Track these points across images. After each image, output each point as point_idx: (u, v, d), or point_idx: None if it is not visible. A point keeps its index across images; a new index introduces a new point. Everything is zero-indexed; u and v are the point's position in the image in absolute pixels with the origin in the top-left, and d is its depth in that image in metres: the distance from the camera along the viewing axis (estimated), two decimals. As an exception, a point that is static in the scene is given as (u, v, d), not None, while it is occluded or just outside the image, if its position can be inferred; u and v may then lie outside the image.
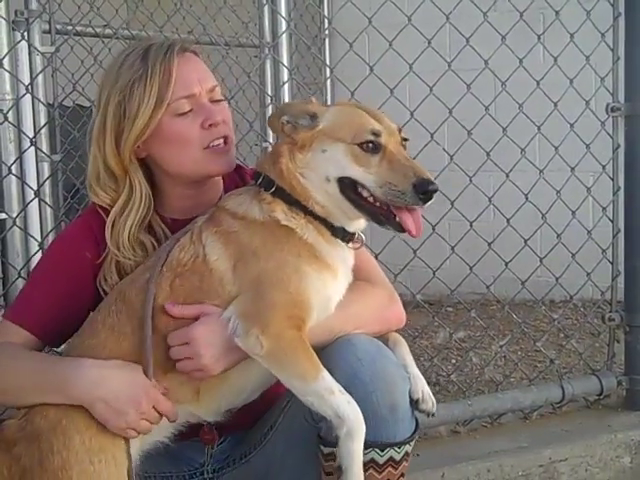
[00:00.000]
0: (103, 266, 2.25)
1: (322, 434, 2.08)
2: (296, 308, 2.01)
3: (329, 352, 2.06)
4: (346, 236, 2.15)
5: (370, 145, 2.05)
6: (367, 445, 2.00)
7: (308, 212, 2.11)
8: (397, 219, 2.03)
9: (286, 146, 2.14)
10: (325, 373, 1.97)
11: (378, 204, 2.06)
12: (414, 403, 2.12)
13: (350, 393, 1.97)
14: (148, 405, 2.02)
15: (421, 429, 2.16)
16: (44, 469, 1.97)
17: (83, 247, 2.27)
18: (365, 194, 2.06)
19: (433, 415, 2.17)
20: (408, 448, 2.09)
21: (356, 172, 2.05)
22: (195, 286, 2.08)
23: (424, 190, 1.99)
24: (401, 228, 2.04)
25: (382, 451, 2.05)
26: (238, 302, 2.03)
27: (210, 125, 2.21)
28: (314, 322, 2.05)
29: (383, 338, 2.20)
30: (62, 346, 2.34)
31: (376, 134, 2.07)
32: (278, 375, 2.03)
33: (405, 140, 2.14)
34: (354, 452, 1.94)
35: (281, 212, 2.10)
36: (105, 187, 2.25)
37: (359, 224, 2.18)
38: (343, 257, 2.15)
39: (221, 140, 2.24)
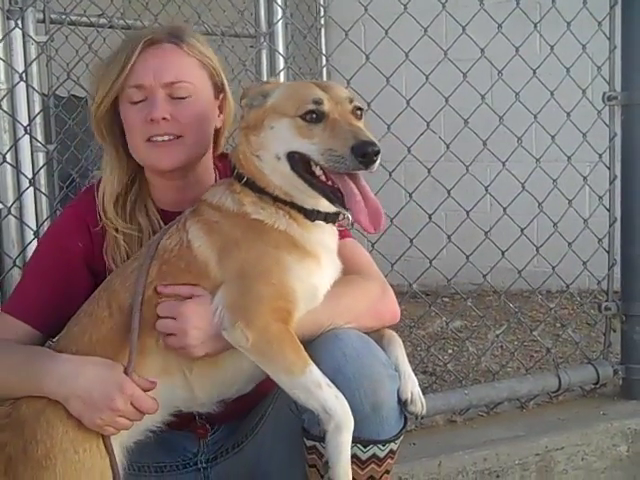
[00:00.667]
0: (107, 249, 2.27)
1: (305, 426, 2.06)
2: (281, 300, 1.99)
3: (315, 345, 2.03)
4: (323, 217, 2.10)
5: (313, 115, 2.00)
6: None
7: (275, 198, 2.07)
8: (346, 203, 1.97)
9: (242, 131, 2.12)
10: (312, 367, 1.94)
11: (330, 182, 2.00)
12: (402, 403, 2.09)
13: None
14: (123, 403, 1.99)
15: (412, 422, 2.13)
16: (28, 457, 1.96)
17: (75, 238, 2.29)
18: (318, 172, 2.01)
19: (422, 417, 2.14)
20: (393, 446, 2.06)
21: (300, 144, 2.00)
22: (181, 269, 2.07)
23: (363, 152, 1.91)
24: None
25: (365, 447, 2.03)
26: (224, 292, 2.01)
27: (150, 119, 2.21)
28: (302, 312, 2.03)
29: (378, 335, 2.17)
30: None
31: (317, 102, 2.01)
32: (265, 368, 2.00)
33: (359, 110, 2.07)
34: (342, 446, 1.92)
35: (250, 204, 2.07)
36: None
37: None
38: (322, 241, 2.10)
39: (165, 137, 2.23)
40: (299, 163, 2.02)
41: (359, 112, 2.07)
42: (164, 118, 2.21)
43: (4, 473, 1.97)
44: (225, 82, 2.36)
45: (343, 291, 2.13)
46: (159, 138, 2.22)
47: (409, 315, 3.92)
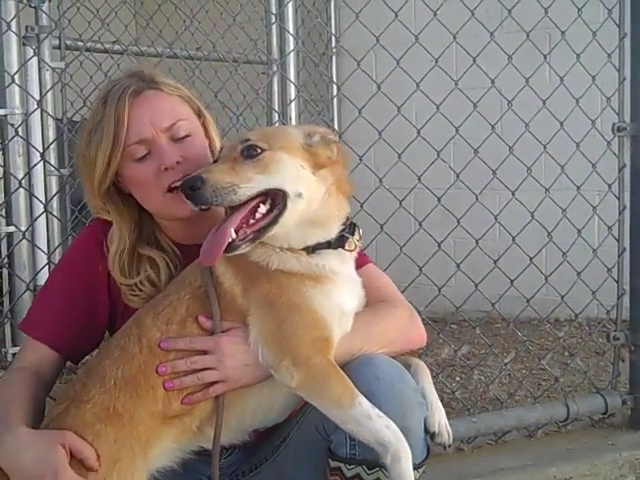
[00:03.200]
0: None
1: (332, 447, 2.08)
2: (317, 329, 2.01)
3: (349, 368, 2.05)
4: (325, 246, 2.12)
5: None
6: (375, 464, 2.01)
7: None
8: None
9: None
10: (361, 398, 1.95)
11: None
12: (429, 434, 2.12)
13: None
14: None
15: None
16: None
17: (95, 259, 2.31)
18: None
19: (449, 447, 2.16)
20: (416, 474, 2.05)
21: None
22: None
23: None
24: None
25: None
26: (259, 325, 2.04)
27: (164, 168, 2.21)
28: (338, 336, 2.05)
29: (404, 362, 2.18)
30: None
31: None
32: (314, 403, 2.02)
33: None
34: (403, 476, 1.93)
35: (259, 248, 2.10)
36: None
37: (304, 236, 2.11)
38: (329, 264, 2.11)
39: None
40: None
41: None
42: (177, 162, 2.21)
43: None
44: (200, 106, 2.37)
45: (373, 319, 2.17)
46: (177, 184, 2.19)
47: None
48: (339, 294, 2.10)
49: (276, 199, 2.03)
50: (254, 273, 2.06)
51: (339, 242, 2.14)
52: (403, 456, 1.92)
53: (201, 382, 2.07)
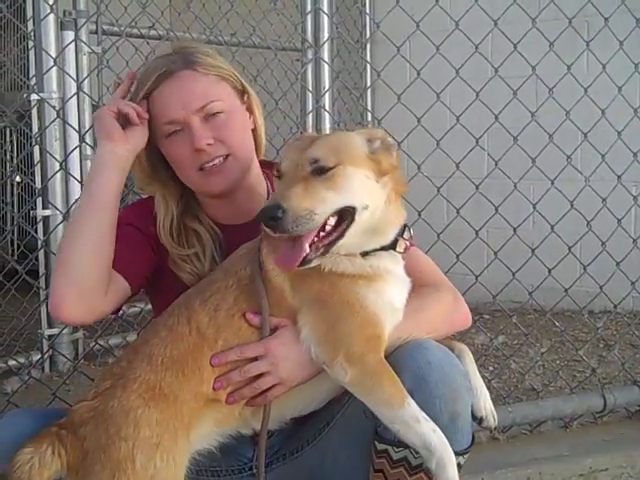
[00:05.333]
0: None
1: (379, 430, 2.08)
2: (369, 327, 2.02)
3: (399, 353, 2.06)
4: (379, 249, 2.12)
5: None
6: None
7: None
8: None
9: None
10: (410, 400, 1.96)
11: None
12: (477, 419, 2.13)
13: (415, 394, 1.97)
14: None
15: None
16: (108, 456, 1.94)
17: (147, 221, 2.35)
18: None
19: (495, 429, 2.14)
20: (461, 460, 2.07)
21: None
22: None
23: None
24: None
25: None
26: (311, 324, 2.04)
27: (195, 149, 2.23)
28: (389, 332, 2.05)
29: (448, 346, 2.17)
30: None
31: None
32: (364, 400, 2.02)
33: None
34: (449, 478, 1.93)
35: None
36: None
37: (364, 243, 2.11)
38: (382, 264, 2.11)
39: (215, 161, 2.25)
40: None
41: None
42: (208, 144, 2.23)
43: (76, 471, 1.95)
44: (244, 83, 2.37)
45: (419, 305, 2.16)
46: (209, 164, 2.24)
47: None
48: (390, 292, 2.09)
49: (344, 213, 2.03)
50: (305, 272, 2.04)
51: (392, 245, 2.15)
52: (448, 462, 1.93)
53: (259, 390, 2.08)
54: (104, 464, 1.94)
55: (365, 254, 2.10)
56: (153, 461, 1.96)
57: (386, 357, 2.03)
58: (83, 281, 2.11)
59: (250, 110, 2.38)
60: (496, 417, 2.13)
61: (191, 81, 2.26)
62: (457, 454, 2.01)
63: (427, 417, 1.95)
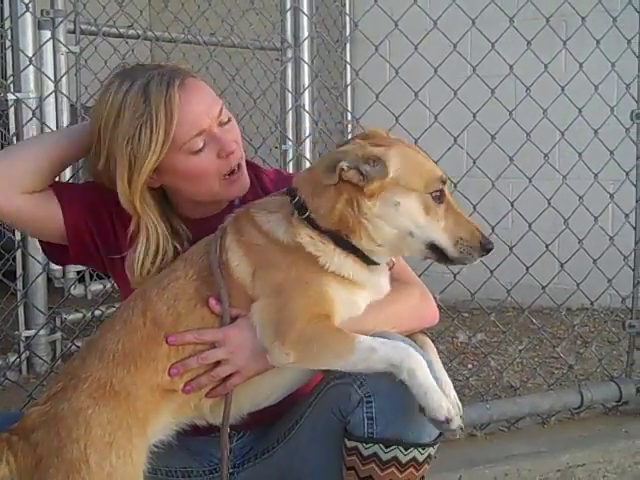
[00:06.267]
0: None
1: (348, 428, 2.07)
2: (317, 306, 1.99)
3: None
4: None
5: (438, 194, 2.02)
6: (392, 442, 2.01)
7: (334, 240, 2.05)
8: None
9: (347, 192, 2.03)
10: (357, 337, 1.94)
11: None
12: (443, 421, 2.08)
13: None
14: None
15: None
16: (61, 459, 1.91)
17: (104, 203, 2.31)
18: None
19: (462, 418, 2.15)
20: (431, 451, 2.07)
21: (432, 231, 2.02)
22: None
23: (488, 249, 2.02)
24: None
25: (406, 450, 2.03)
26: (260, 309, 2.02)
27: (227, 155, 2.19)
28: (342, 318, 2.02)
29: (412, 340, 2.14)
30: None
31: (443, 181, 2.04)
32: (318, 367, 2.03)
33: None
34: (423, 386, 1.91)
35: (307, 237, 2.05)
36: None
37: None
38: (372, 278, 2.11)
39: (234, 167, 2.22)
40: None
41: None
42: (235, 142, 2.21)
43: (30, 477, 1.92)
44: None
45: (388, 299, 2.15)
46: (230, 170, 2.21)
47: (430, 329, 3.92)
48: (360, 294, 2.08)
49: None
50: (269, 263, 2.04)
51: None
52: (417, 367, 1.91)
53: (217, 379, 2.06)
54: (58, 467, 1.91)
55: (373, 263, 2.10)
56: (108, 459, 1.93)
57: None
58: (15, 163, 2.22)
59: None
60: (461, 407, 2.07)
61: (203, 88, 2.21)
62: (427, 445, 2.03)
63: (384, 340, 1.94)
